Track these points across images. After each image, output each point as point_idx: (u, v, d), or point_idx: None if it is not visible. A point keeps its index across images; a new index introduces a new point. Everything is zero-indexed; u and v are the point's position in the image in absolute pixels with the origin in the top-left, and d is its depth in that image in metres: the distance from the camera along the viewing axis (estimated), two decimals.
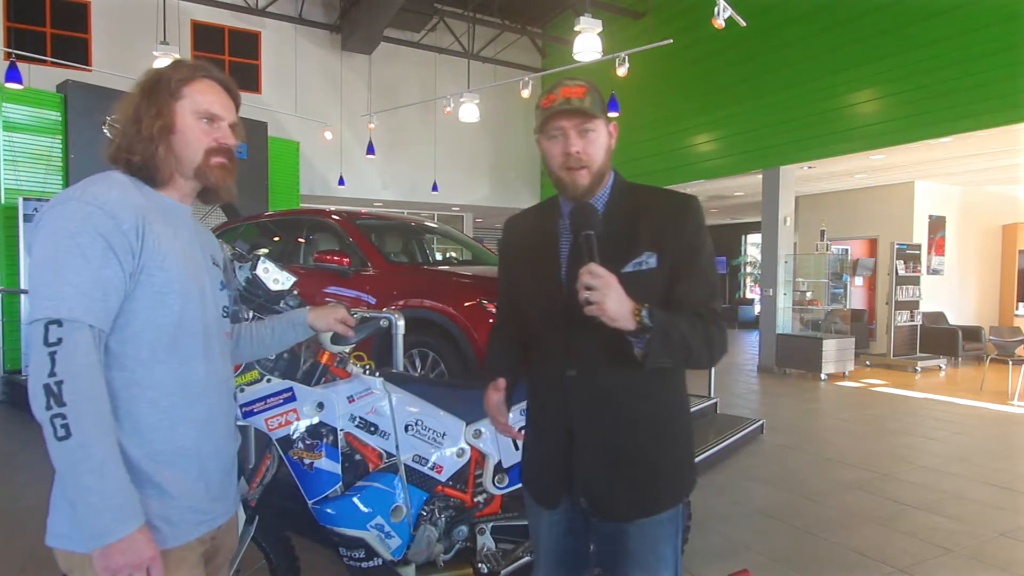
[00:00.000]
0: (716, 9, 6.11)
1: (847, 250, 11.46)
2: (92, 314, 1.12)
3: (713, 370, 5.89)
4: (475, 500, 2.33)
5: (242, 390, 2.06)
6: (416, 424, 2.24)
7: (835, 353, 8.83)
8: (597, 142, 1.42)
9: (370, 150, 11.07)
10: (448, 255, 6.78)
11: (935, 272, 10.93)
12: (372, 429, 2.17)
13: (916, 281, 9.99)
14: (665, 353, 1.30)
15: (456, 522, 2.31)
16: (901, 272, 9.76)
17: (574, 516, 1.53)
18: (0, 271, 7.13)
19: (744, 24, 6.62)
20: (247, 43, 11.53)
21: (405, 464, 2.19)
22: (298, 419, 2.08)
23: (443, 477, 2.26)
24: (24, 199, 6.83)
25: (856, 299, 11.57)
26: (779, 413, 6.61)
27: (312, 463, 2.08)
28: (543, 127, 1.42)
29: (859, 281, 11.58)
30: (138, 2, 9.98)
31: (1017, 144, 7.79)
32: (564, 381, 1.44)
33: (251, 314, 2.08)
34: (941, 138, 7.56)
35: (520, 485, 2.29)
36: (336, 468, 2.09)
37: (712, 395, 5.85)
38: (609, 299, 1.24)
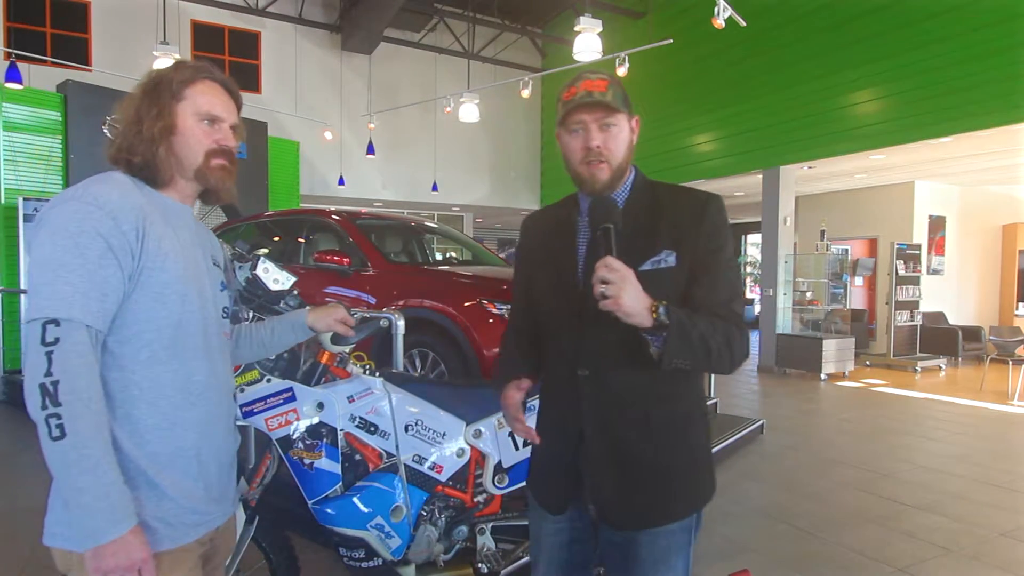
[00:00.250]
0: (716, 9, 6.11)
1: (847, 250, 11.46)
2: (90, 314, 1.12)
3: None
4: (475, 500, 2.33)
5: (242, 390, 2.06)
6: (416, 424, 2.24)
7: (835, 353, 8.83)
8: (619, 137, 1.37)
9: (370, 150, 11.07)
10: (448, 255, 6.78)
11: (935, 272, 10.93)
12: (372, 429, 2.17)
13: (916, 281, 9.99)
14: (682, 353, 1.25)
15: (456, 522, 2.31)
16: (901, 272, 9.76)
17: (580, 525, 1.48)
18: (0, 271, 7.13)
19: (744, 24, 6.63)
20: (247, 43, 11.53)
21: (405, 464, 2.19)
22: (298, 419, 2.08)
23: (443, 477, 2.25)
24: (24, 199, 6.83)
25: (856, 299, 11.57)
26: (779, 413, 6.60)
27: (312, 463, 2.07)
28: (564, 120, 1.38)
29: (859, 281, 11.58)
30: (138, 2, 9.98)
31: (1017, 144, 7.79)
32: (576, 381, 1.39)
33: (251, 314, 2.08)
34: (941, 138, 7.56)
35: (521, 484, 2.30)
36: (336, 468, 2.09)
37: (712, 395, 5.85)
38: (625, 293, 1.19)
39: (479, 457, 2.32)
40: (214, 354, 1.32)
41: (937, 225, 10.98)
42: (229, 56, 11.28)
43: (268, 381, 2.09)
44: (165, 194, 1.30)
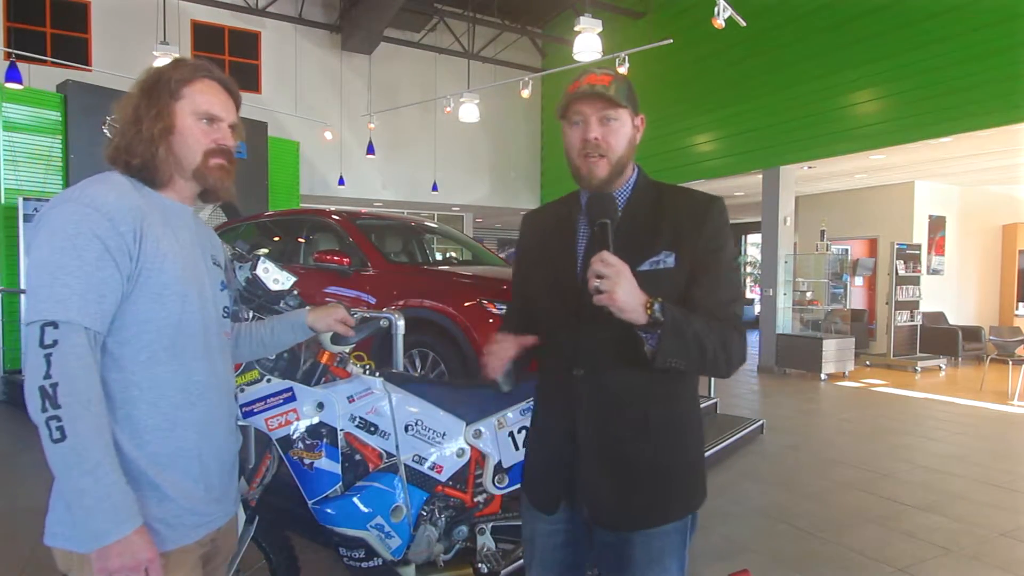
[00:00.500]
0: (716, 9, 6.11)
1: (847, 250, 11.46)
2: (88, 316, 1.12)
3: None
4: (475, 500, 2.33)
5: (242, 390, 2.06)
6: (416, 424, 2.24)
7: (835, 353, 8.83)
8: (619, 132, 1.35)
9: (370, 150, 11.07)
10: (448, 255, 6.78)
11: (935, 272, 10.93)
12: (372, 429, 2.17)
13: (916, 281, 9.99)
14: (676, 351, 1.23)
15: (456, 522, 2.30)
16: (901, 272, 9.76)
17: (574, 527, 1.46)
18: (0, 271, 7.13)
19: (744, 24, 6.63)
20: (247, 43, 11.53)
21: (405, 464, 2.19)
22: (298, 419, 2.08)
23: (443, 477, 2.25)
24: (24, 199, 6.83)
25: (856, 299, 11.57)
26: (779, 413, 6.60)
27: (312, 463, 2.07)
28: (565, 112, 1.37)
29: (859, 281, 11.58)
30: (138, 2, 9.98)
31: (1017, 144, 7.79)
32: (572, 380, 1.38)
33: (251, 314, 2.08)
34: (941, 138, 7.56)
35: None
36: (336, 468, 2.09)
37: (712, 395, 5.85)
38: (619, 288, 1.18)
39: (479, 457, 2.32)
40: (214, 354, 1.32)
41: (937, 225, 10.98)
42: (229, 56, 11.28)
43: (268, 381, 2.09)
44: (164, 194, 1.30)
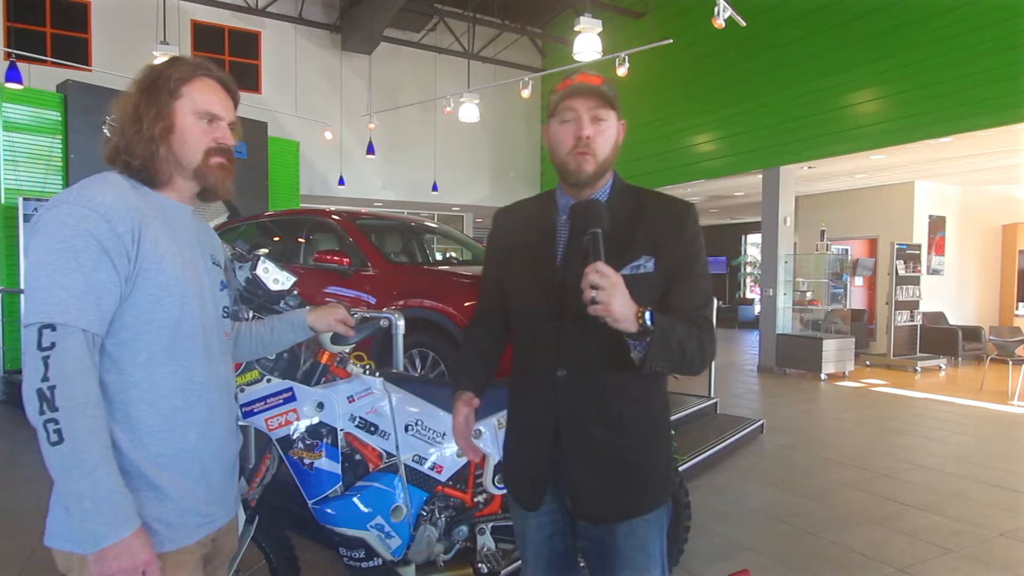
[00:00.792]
0: (716, 9, 6.11)
1: (847, 250, 11.46)
2: (86, 318, 1.11)
3: (713, 370, 5.90)
4: (475, 500, 2.33)
5: (242, 390, 2.06)
6: (416, 424, 2.24)
7: (835, 353, 8.83)
8: (607, 133, 1.39)
9: (370, 150, 11.07)
10: (448, 255, 6.78)
11: (935, 272, 10.93)
12: (372, 429, 2.17)
13: (916, 281, 9.99)
14: (662, 357, 1.28)
15: (456, 522, 2.31)
16: (901, 272, 9.76)
17: (559, 518, 1.51)
18: (0, 271, 7.14)
19: (744, 24, 6.63)
20: (247, 43, 11.54)
21: (405, 464, 2.19)
22: (298, 419, 2.08)
23: (443, 477, 2.25)
24: (24, 199, 6.83)
25: (856, 299, 11.57)
26: (779, 413, 6.60)
27: (312, 463, 2.08)
28: (557, 108, 1.39)
29: (859, 281, 11.58)
30: (138, 2, 9.98)
31: (1017, 144, 7.79)
32: (553, 381, 1.41)
33: (251, 314, 2.08)
34: (941, 138, 7.57)
35: None
36: (336, 468, 2.09)
37: (712, 395, 5.85)
38: (616, 300, 1.21)
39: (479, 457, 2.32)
40: (214, 355, 1.32)
41: (937, 225, 10.99)
42: (229, 56, 11.28)
43: (268, 381, 2.09)
44: (163, 194, 1.29)
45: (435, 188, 12.56)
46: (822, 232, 9.69)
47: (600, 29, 6.71)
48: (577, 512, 1.46)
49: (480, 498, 2.34)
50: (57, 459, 1.07)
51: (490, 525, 2.34)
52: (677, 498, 2.82)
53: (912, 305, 9.99)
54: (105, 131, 1.29)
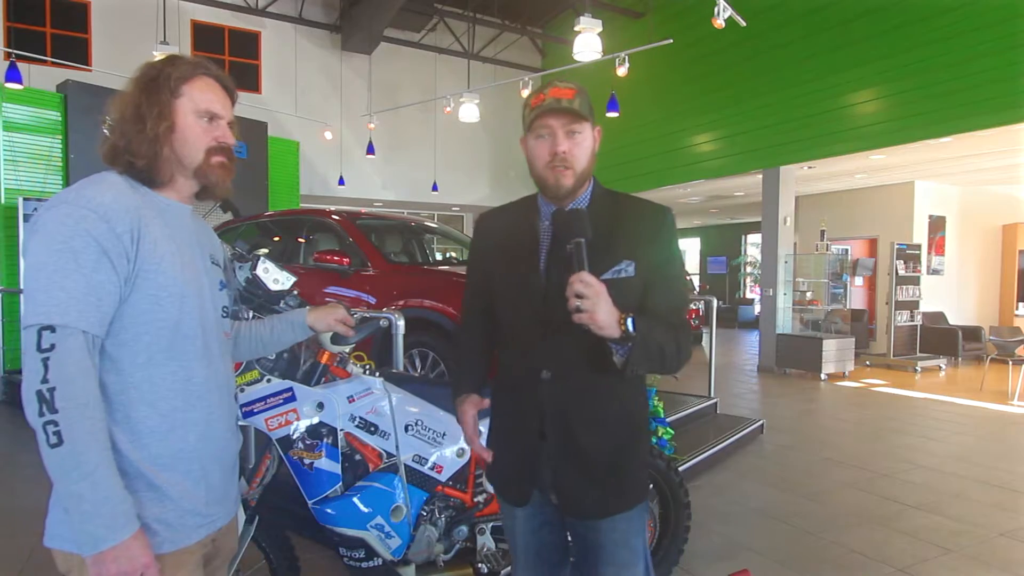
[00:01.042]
0: (716, 9, 6.11)
1: (847, 250, 11.47)
2: (85, 319, 1.11)
3: (713, 370, 5.90)
4: (475, 500, 2.33)
5: (242, 390, 2.06)
6: (416, 424, 2.24)
7: (835, 353, 8.83)
8: (583, 144, 1.42)
9: (370, 150, 11.07)
10: (448, 255, 6.78)
11: (935, 272, 10.93)
12: (372, 429, 2.17)
13: (916, 281, 9.99)
14: (643, 361, 1.33)
15: (456, 522, 2.31)
16: (901, 272, 9.76)
17: (548, 510, 1.55)
18: (0, 271, 7.13)
19: (744, 24, 6.62)
20: (247, 43, 11.54)
21: (405, 464, 2.19)
22: (298, 419, 2.08)
23: (443, 477, 2.25)
24: (24, 199, 6.82)
25: (856, 299, 11.57)
26: (779, 413, 6.61)
27: (312, 463, 2.07)
28: (531, 126, 1.42)
29: (859, 281, 11.58)
30: (138, 2, 9.98)
31: (1017, 144, 7.79)
32: (537, 382, 1.45)
33: (251, 314, 2.07)
34: (941, 138, 7.56)
35: None
36: (336, 468, 2.09)
37: (712, 395, 5.86)
38: (600, 309, 1.25)
39: (479, 457, 2.32)
40: (214, 355, 1.32)
41: (937, 225, 10.99)
42: (229, 56, 11.28)
43: (268, 381, 2.09)
44: (162, 193, 1.29)
45: (435, 188, 12.56)
46: (822, 232, 9.69)
47: (600, 29, 6.70)
48: (563, 508, 1.50)
49: (480, 498, 2.34)
50: (56, 461, 1.07)
51: (490, 525, 2.34)
52: (677, 498, 2.83)
53: (912, 305, 9.99)
54: (104, 130, 1.28)
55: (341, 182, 11.82)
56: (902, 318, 9.87)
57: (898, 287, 9.74)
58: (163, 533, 1.20)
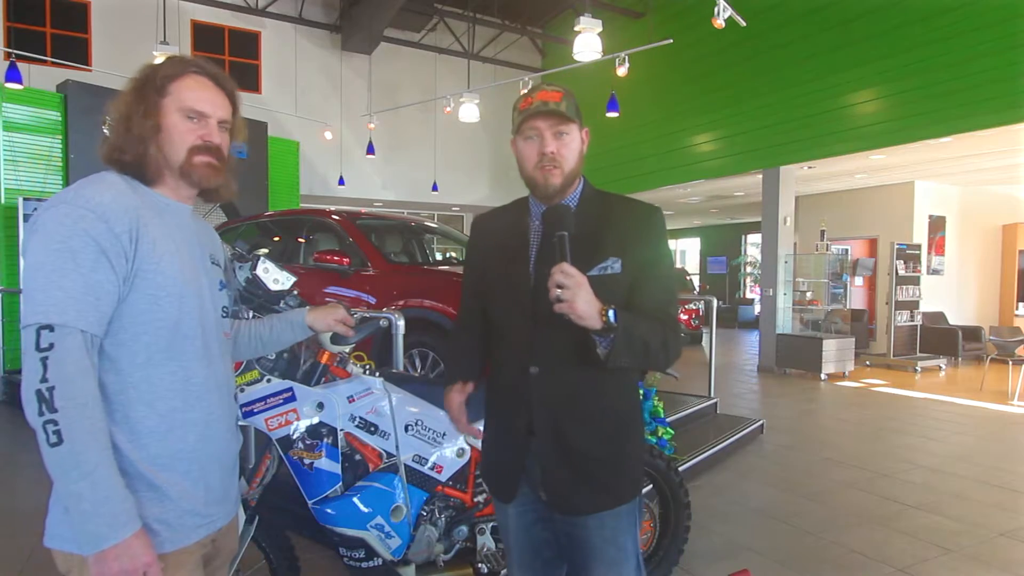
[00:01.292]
0: (716, 9, 6.11)
1: (847, 250, 11.46)
2: (84, 319, 1.11)
3: (713, 370, 5.90)
4: (475, 500, 2.33)
5: (242, 390, 2.06)
6: (416, 424, 2.24)
7: (835, 353, 8.83)
8: (570, 145, 1.46)
9: (370, 150, 11.07)
10: (448, 255, 6.78)
11: (935, 272, 10.93)
12: (372, 429, 2.17)
13: (916, 281, 9.99)
14: (626, 353, 1.34)
15: (456, 522, 2.30)
16: (901, 272, 9.76)
17: (540, 507, 1.56)
18: (0, 271, 7.13)
19: (744, 24, 6.62)
20: (247, 43, 11.54)
21: (405, 464, 2.19)
22: (298, 419, 2.08)
23: (443, 477, 2.25)
24: (24, 199, 6.82)
25: (856, 299, 11.57)
26: (779, 413, 6.61)
27: (312, 463, 2.07)
28: (520, 128, 1.48)
29: (859, 281, 11.58)
30: (138, 2, 9.98)
31: (1017, 144, 7.79)
32: (526, 378, 1.47)
33: (251, 314, 2.07)
34: (941, 138, 7.56)
35: None
36: (336, 468, 2.09)
37: (712, 395, 5.86)
38: (579, 298, 1.28)
39: (479, 457, 2.32)
40: (214, 355, 1.31)
41: (937, 225, 10.99)
42: (229, 56, 11.29)
43: (268, 381, 2.09)
44: (161, 192, 1.28)
45: (435, 188, 12.56)
46: (822, 232, 9.69)
47: (600, 29, 6.70)
48: (550, 503, 1.51)
49: (480, 498, 2.34)
50: (56, 460, 1.07)
51: (490, 525, 2.34)
52: (677, 498, 2.83)
53: (912, 305, 9.99)
54: (105, 131, 1.28)
55: (341, 182, 11.82)
56: (902, 318, 9.87)
57: (898, 287, 9.74)
58: (163, 533, 1.20)
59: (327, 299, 4.44)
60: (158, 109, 1.24)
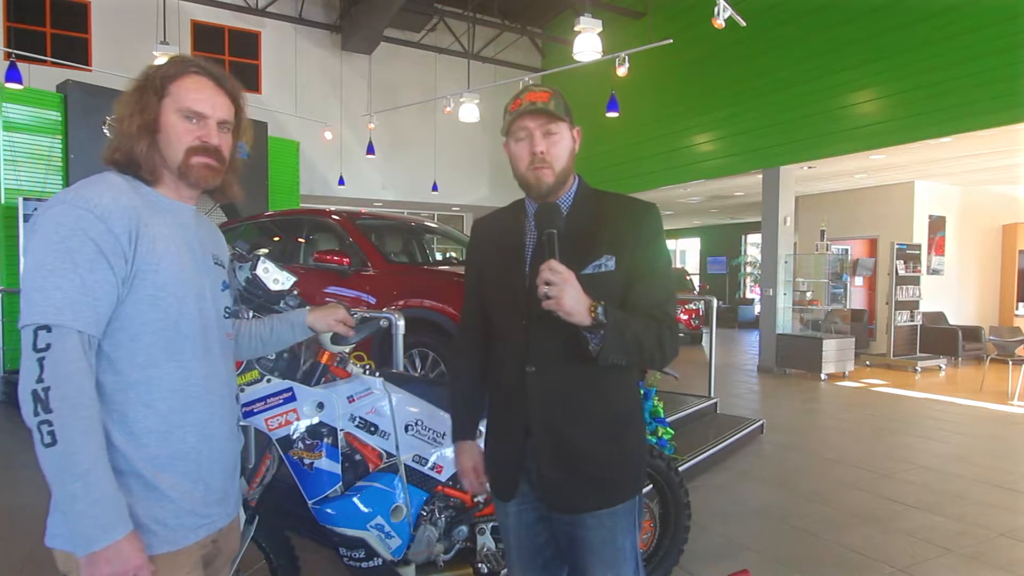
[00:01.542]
0: (716, 9, 6.11)
1: (847, 250, 11.46)
2: (81, 320, 1.10)
3: (713, 370, 5.90)
4: (475, 500, 2.33)
5: (242, 390, 2.06)
6: (416, 424, 2.24)
7: (835, 353, 8.83)
8: (561, 144, 1.47)
9: (370, 150, 11.07)
10: (448, 255, 6.78)
11: (935, 272, 10.93)
12: (372, 429, 2.17)
13: (916, 281, 9.99)
14: (618, 350, 1.34)
15: (456, 522, 2.31)
16: (901, 272, 9.76)
17: (539, 507, 1.56)
18: (0, 271, 7.13)
19: (744, 24, 6.63)
20: (247, 43, 11.54)
21: (405, 464, 2.19)
22: (298, 419, 2.08)
23: (443, 477, 2.25)
24: (24, 199, 6.83)
25: (856, 299, 11.57)
26: (779, 413, 6.60)
27: (312, 463, 2.07)
28: (510, 129, 1.48)
29: (859, 281, 11.58)
30: (138, 2, 9.98)
31: (1017, 144, 7.79)
32: (523, 377, 1.48)
33: (251, 314, 2.07)
34: (941, 138, 7.56)
35: None
36: (336, 468, 2.09)
37: (712, 395, 5.86)
38: (566, 294, 1.28)
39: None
40: (214, 355, 1.31)
41: (937, 225, 10.99)
42: (229, 56, 11.28)
43: (268, 381, 2.09)
44: (161, 192, 1.28)
45: (435, 188, 12.56)
46: (822, 232, 9.69)
47: (600, 29, 6.71)
48: (548, 502, 1.51)
49: (480, 498, 2.34)
50: (50, 461, 1.07)
51: (490, 525, 2.34)
52: (677, 498, 2.83)
53: (912, 305, 9.99)
54: (105, 131, 1.29)
55: (341, 182, 11.82)
56: (902, 318, 9.87)
57: (898, 287, 9.74)
58: (161, 533, 1.20)
59: (327, 299, 4.44)
60: (155, 109, 1.24)
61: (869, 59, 8.04)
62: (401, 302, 4.15)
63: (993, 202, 11.67)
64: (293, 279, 2.14)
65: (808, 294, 9.40)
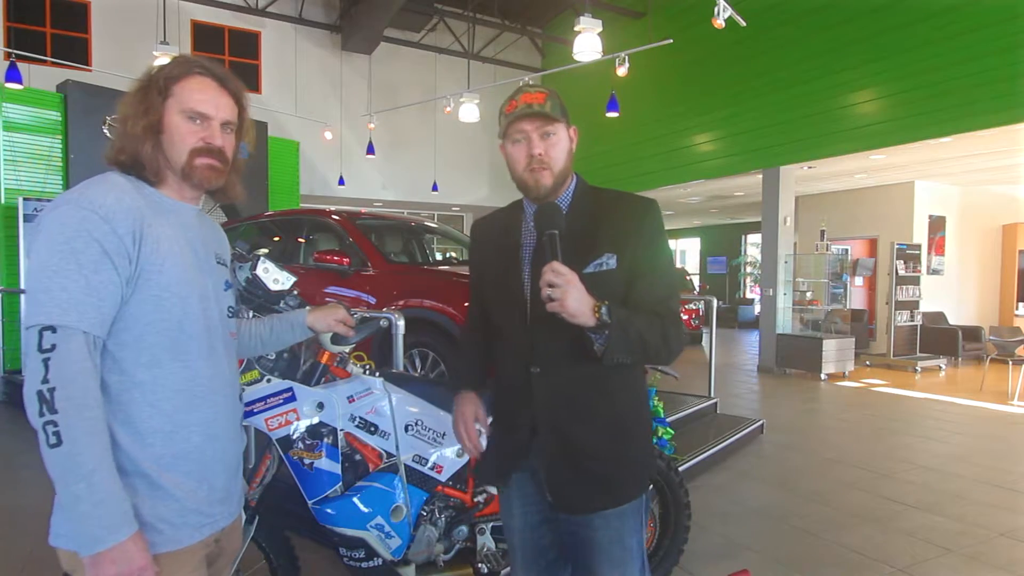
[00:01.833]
0: (716, 9, 6.11)
1: (847, 250, 11.46)
2: (86, 320, 1.11)
3: (713, 370, 5.90)
4: (475, 500, 2.33)
5: (242, 390, 2.06)
6: (416, 424, 2.24)
7: (835, 353, 8.83)
8: (558, 145, 1.46)
9: (370, 150, 11.07)
10: (448, 255, 6.78)
11: (935, 272, 10.93)
12: (372, 429, 2.17)
13: (916, 281, 9.99)
14: (623, 349, 1.34)
15: (456, 522, 2.30)
16: (901, 272, 9.76)
17: (544, 508, 1.56)
18: (0, 271, 7.13)
19: (744, 24, 6.62)
20: (247, 43, 11.54)
21: (405, 464, 2.19)
22: (298, 419, 2.08)
23: (443, 477, 2.25)
24: (24, 199, 6.83)
25: (856, 299, 11.57)
26: (779, 413, 6.61)
27: (312, 463, 2.07)
28: (506, 131, 1.47)
29: (859, 281, 11.58)
30: (138, 2, 9.98)
31: (1017, 144, 7.79)
32: (528, 378, 1.48)
33: (251, 314, 2.07)
34: (941, 138, 7.57)
35: None
36: (336, 468, 2.09)
37: (712, 395, 5.86)
38: (570, 296, 1.28)
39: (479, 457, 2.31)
40: (218, 355, 1.31)
41: (937, 225, 10.99)
42: (229, 56, 11.28)
43: (268, 381, 2.09)
44: (164, 193, 1.28)
45: (435, 188, 12.56)
46: (822, 232, 9.69)
47: (600, 29, 6.71)
48: (555, 502, 1.51)
49: (480, 498, 2.34)
50: (55, 461, 1.07)
51: (490, 525, 2.34)
52: (677, 498, 2.83)
53: (912, 305, 9.99)
54: (106, 131, 1.29)
55: (341, 182, 11.82)
56: (902, 318, 9.87)
57: (898, 287, 9.74)
58: (165, 532, 1.20)
59: (327, 299, 4.45)
60: (159, 110, 1.24)
61: (869, 59, 8.04)
62: (401, 302, 4.15)
63: (993, 202, 11.67)
64: (293, 279, 2.14)
65: (808, 294, 9.40)
